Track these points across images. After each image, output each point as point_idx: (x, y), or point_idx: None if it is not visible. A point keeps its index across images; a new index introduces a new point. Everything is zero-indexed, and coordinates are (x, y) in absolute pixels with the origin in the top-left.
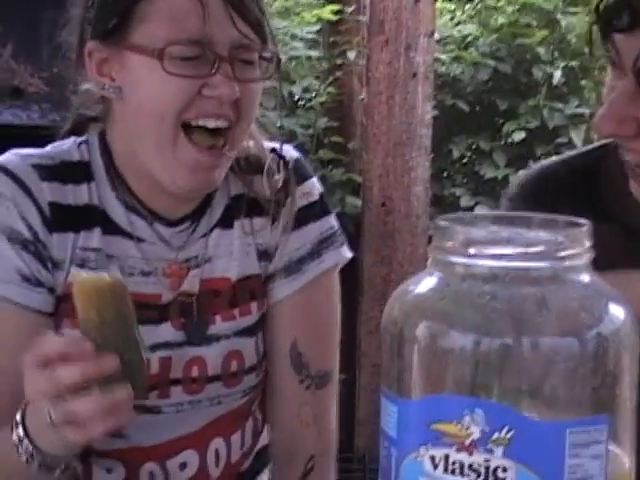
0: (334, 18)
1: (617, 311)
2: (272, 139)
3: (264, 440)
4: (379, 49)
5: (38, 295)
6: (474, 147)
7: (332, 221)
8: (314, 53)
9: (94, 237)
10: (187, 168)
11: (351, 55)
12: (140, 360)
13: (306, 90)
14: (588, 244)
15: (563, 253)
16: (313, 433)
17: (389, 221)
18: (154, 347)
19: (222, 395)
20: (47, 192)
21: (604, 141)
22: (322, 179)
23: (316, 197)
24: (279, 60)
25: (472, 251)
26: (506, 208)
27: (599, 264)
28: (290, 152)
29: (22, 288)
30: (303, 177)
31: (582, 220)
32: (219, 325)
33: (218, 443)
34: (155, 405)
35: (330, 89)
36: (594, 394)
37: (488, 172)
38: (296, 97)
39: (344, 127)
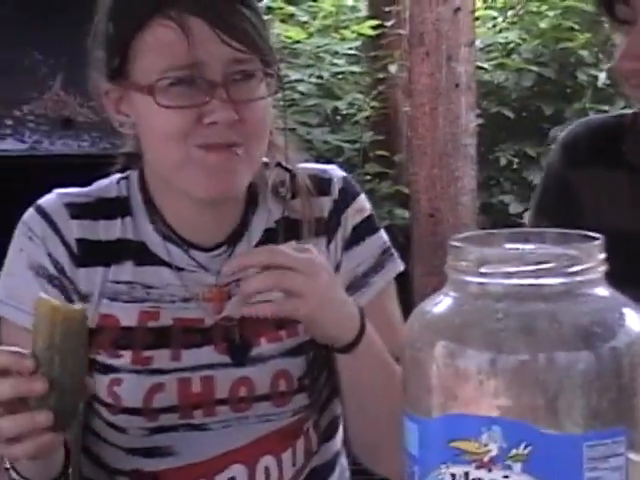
0: (374, 33)
1: (632, 323)
2: (319, 157)
3: (319, 459)
4: (420, 61)
5: None
6: (521, 153)
7: (384, 233)
8: (356, 68)
9: (125, 270)
10: (204, 171)
11: (393, 68)
12: (75, 390)
13: (351, 105)
14: (601, 257)
15: (576, 268)
16: None
17: (438, 231)
18: (196, 368)
19: (270, 414)
20: (75, 229)
21: None
22: (370, 192)
23: (369, 212)
24: (280, 76)
25: (485, 270)
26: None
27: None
28: (336, 172)
29: None
30: (353, 195)
31: (595, 234)
32: (264, 346)
33: (268, 461)
34: (202, 423)
35: (374, 103)
36: (610, 407)
37: (536, 178)
38: (341, 112)
39: (390, 140)
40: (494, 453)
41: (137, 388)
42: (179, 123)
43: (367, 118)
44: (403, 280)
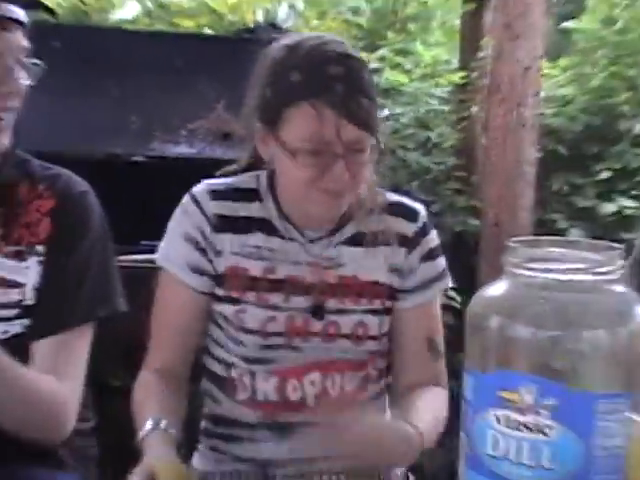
0: (462, 81)
1: None
2: (413, 173)
3: (372, 389)
4: (496, 105)
5: (198, 280)
6: (570, 182)
7: (444, 259)
8: (446, 108)
9: (253, 238)
10: (319, 205)
11: (474, 109)
12: None
13: (440, 135)
14: (621, 262)
15: (601, 269)
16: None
17: (501, 238)
18: (299, 309)
19: (348, 348)
20: (213, 207)
21: None
22: (450, 205)
23: (438, 241)
24: (381, 146)
25: (532, 266)
26: None
27: None
28: (422, 210)
29: (188, 274)
30: (431, 228)
31: (615, 244)
32: (348, 305)
33: (337, 375)
34: (298, 346)
35: (458, 135)
36: (620, 375)
37: (580, 202)
38: (432, 141)
39: (468, 164)
40: (530, 402)
41: (257, 317)
42: (307, 176)
43: (452, 146)
44: (472, 275)
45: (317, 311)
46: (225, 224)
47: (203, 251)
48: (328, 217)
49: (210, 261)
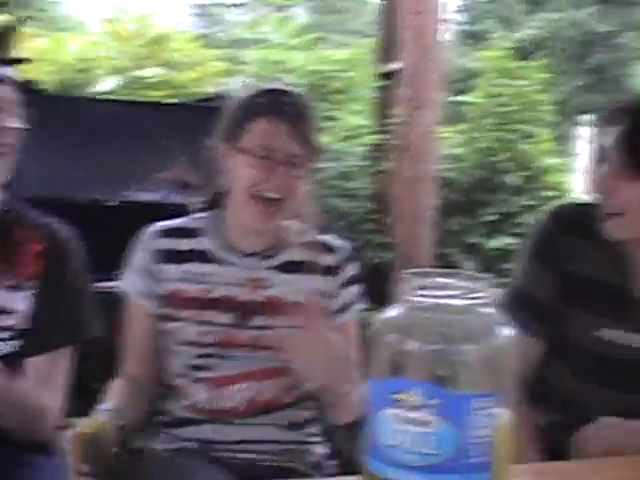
0: (377, 142)
1: (505, 331)
2: (338, 217)
3: (295, 395)
4: (405, 162)
5: (146, 303)
6: (463, 223)
7: (362, 286)
8: (365, 163)
9: (192, 266)
10: (259, 214)
11: (387, 165)
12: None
13: (360, 185)
14: (492, 290)
15: (474, 295)
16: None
17: (409, 269)
18: (230, 325)
19: (271, 358)
20: (158, 244)
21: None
22: (368, 242)
23: (357, 272)
24: (316, 168)
25: (420, 293)
26: (541, 231)
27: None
28: (345, 245)
29: (139, 298)
30: (352, 260)
31: (488, 275)
32: (271, 321)
33: (266, 382)
34: (230, 355)
35: (374, 185)
36: (488, 379)
37: (471, 240)
38: (354, 189)
39: (383, 209)
40: (417, 402)
41: (192, 331)
42: (254, 176)
43: (369, 194)
44: (385, 298)
45: (242, 323)
46: (167, 256)
47: (148, 279)
48: (266, 227)
49: (154, 287)
